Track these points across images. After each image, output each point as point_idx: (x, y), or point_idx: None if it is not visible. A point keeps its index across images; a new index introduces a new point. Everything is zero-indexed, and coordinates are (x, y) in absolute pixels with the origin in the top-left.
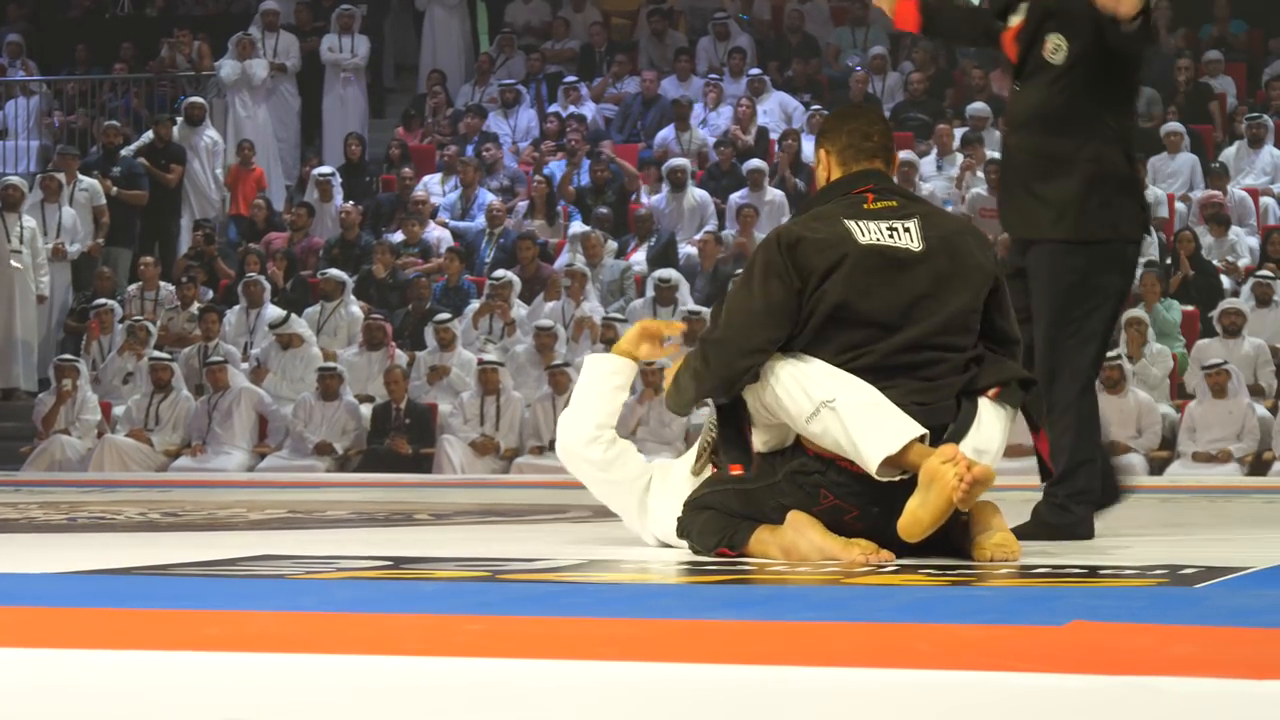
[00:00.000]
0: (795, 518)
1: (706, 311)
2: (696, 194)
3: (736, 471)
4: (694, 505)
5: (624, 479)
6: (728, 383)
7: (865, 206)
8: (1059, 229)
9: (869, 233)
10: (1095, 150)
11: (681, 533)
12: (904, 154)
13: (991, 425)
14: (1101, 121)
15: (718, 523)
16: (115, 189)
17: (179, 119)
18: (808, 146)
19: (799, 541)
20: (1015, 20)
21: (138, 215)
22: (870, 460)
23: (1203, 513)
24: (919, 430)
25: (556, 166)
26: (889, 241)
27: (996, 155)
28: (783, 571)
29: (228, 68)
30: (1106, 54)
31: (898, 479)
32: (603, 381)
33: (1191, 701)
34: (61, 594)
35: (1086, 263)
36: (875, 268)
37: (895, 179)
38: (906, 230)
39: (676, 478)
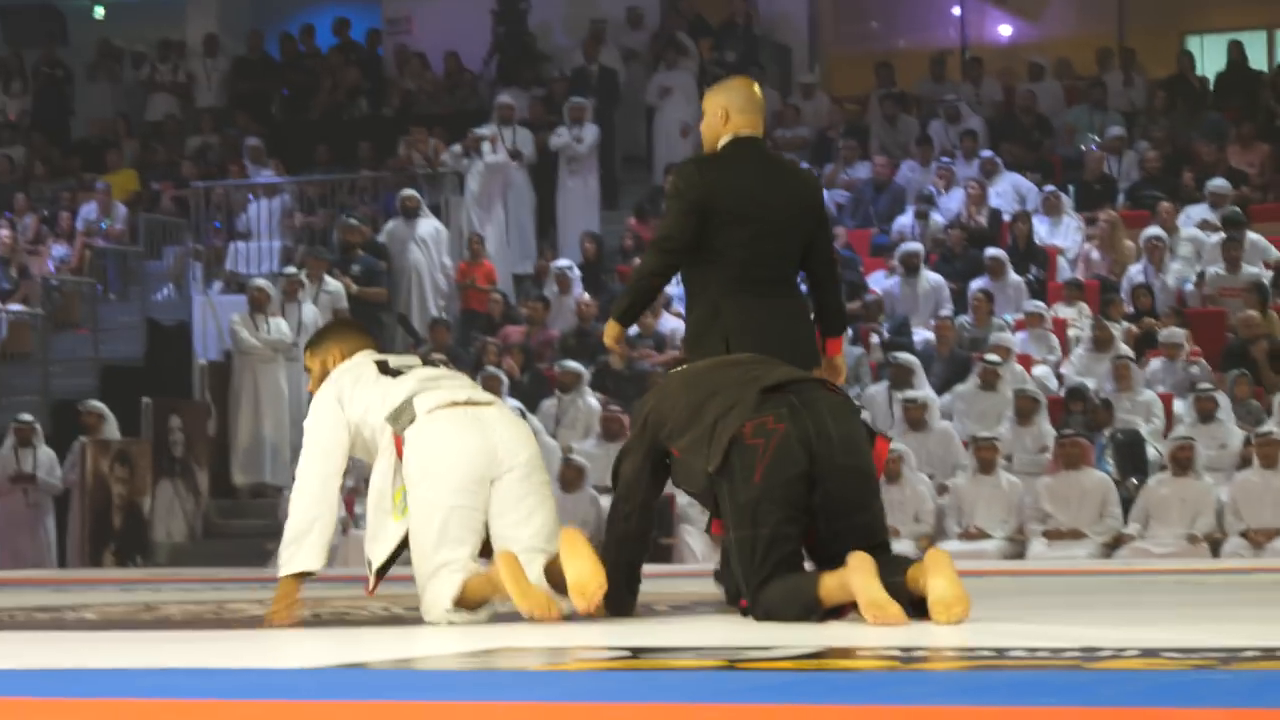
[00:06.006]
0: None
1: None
2: (930, 278)
3: None
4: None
5: None
6: None
7: None
8: None
9: None
10: None
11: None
12: (1150, 230)
13: None
14: None
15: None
16: (355, 287)
17: (395, 218)
18: (1041, 228)
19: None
20: None
21: (378, 313)
22: None
23: None
24: None
25: None
26: None
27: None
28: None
29: (455, 151)
30: None
31: None
32: None
33: None
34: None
35: None
36: None
37: None
38: None
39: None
